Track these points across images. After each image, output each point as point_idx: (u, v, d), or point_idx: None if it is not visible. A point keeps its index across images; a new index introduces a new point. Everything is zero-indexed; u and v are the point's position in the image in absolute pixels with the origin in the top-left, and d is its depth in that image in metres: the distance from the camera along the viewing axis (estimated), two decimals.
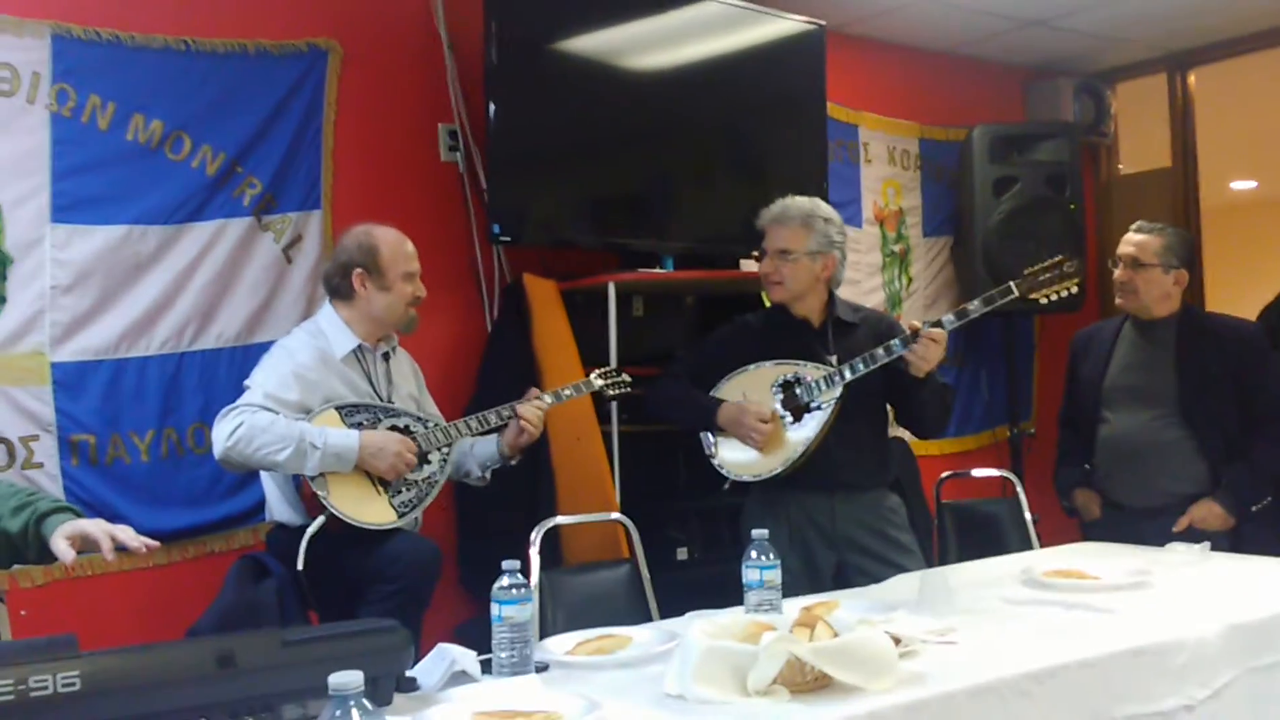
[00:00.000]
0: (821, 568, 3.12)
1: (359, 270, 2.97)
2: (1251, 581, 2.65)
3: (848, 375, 3.04)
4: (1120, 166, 6.01)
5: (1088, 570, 2.68)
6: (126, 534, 2.25)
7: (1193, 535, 3.16)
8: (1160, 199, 5.67)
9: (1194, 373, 3.41)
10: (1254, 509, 3.38)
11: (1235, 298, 4.60)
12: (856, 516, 3.13)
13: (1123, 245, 3.55)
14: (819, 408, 3.06)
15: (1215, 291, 5.78)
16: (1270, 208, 8.05)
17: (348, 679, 1.27)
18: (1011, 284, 3.04)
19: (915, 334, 2.98)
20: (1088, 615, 2.32)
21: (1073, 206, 5.15)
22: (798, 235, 3.15)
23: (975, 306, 3.04)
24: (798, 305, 3.21)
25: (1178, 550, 2.97)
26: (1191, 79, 5.69)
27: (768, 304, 3.27)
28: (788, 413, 3.10)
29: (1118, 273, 3.54)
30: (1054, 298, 3.07)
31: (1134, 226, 3.58)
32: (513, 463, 3.18)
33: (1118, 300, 3.59)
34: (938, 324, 3.00)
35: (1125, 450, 3.46)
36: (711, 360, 3.26)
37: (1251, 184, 8.76)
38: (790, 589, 2.62)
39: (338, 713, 1.27)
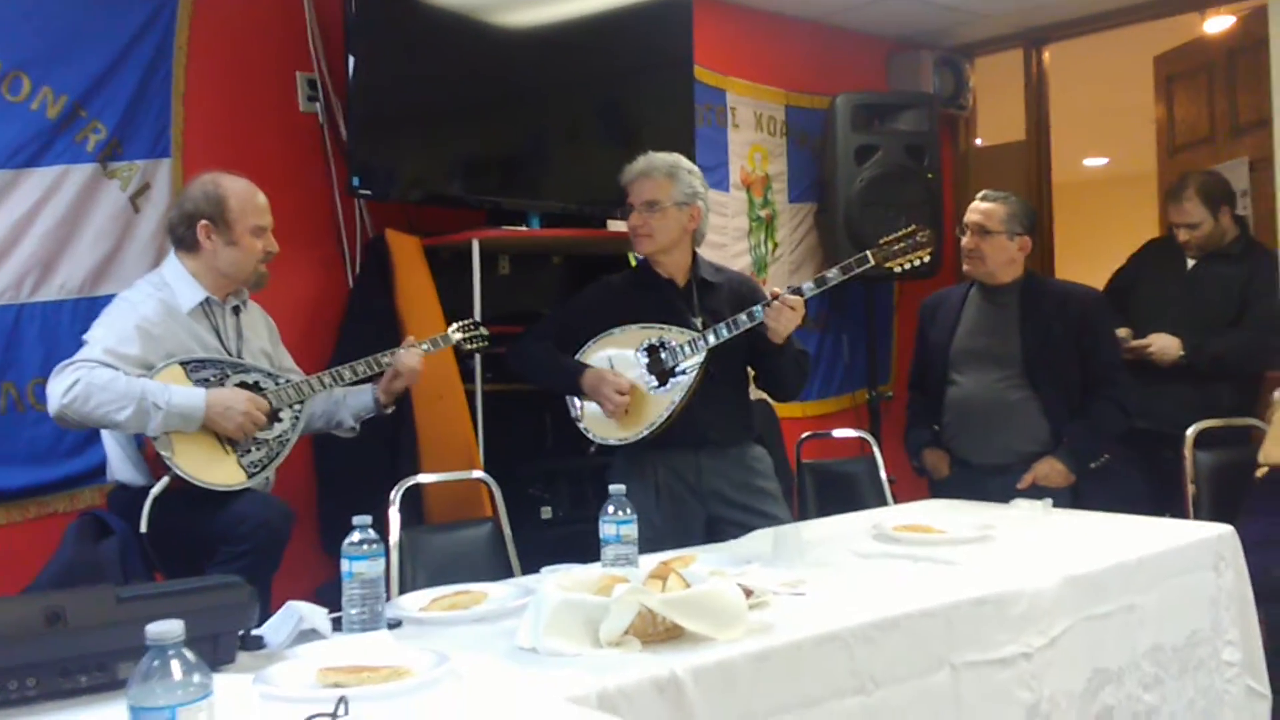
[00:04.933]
0: (691, 523, 3.15)
1: (204, 222, 2.85)
2: (1089, 535, 2.78)
3: (711, 340, 3.07)
4: (977, 139, 6.18)
5: (935, 525, 2.78)
6: None
7: (1036, 492, 3.29)
8: (1014, 171, 5.85)
9: (1037, 335, 3.53)
10: (1093, 466, 3.53)
11: (1085, 270, 4.77)
12: (722, 471, 3.18)
13: (969, 213, 3.66)
14: (683, 372, 3.09)
15: (1065, 263, 6.00)
16: (1120, 184, 8.35)
17: (166, 629, 1.20)
18: (868, 252, 3.12)
19: (776, 299, 3.03)
20: (933, 567, 2.40)
21: (930, 176, 5.27)
22: (663, 186, 3.17)
23: (834, 274, 3.11)
24: (664, 261, 3.22)
25: (1021, 506, 3.10)
26: (1046, 55, 5.87)
27: (634, 264, 3.27)
28: (653, 376, 3.12)
29: (965, 240, 3.64)
30: (908, 266, 3.16)
31: (979, 195, 3.69)
32: (388, 410, 3.13)
33: (965, 267, 3.70)
34: (797, 291, 3.05)
35: (972, 410, 3.57)
36: (576, 322, 3.26)
37: (1103, 160, 9.13)
38: (658, 545, 2.67)
39: (155, 663, 1.20)
